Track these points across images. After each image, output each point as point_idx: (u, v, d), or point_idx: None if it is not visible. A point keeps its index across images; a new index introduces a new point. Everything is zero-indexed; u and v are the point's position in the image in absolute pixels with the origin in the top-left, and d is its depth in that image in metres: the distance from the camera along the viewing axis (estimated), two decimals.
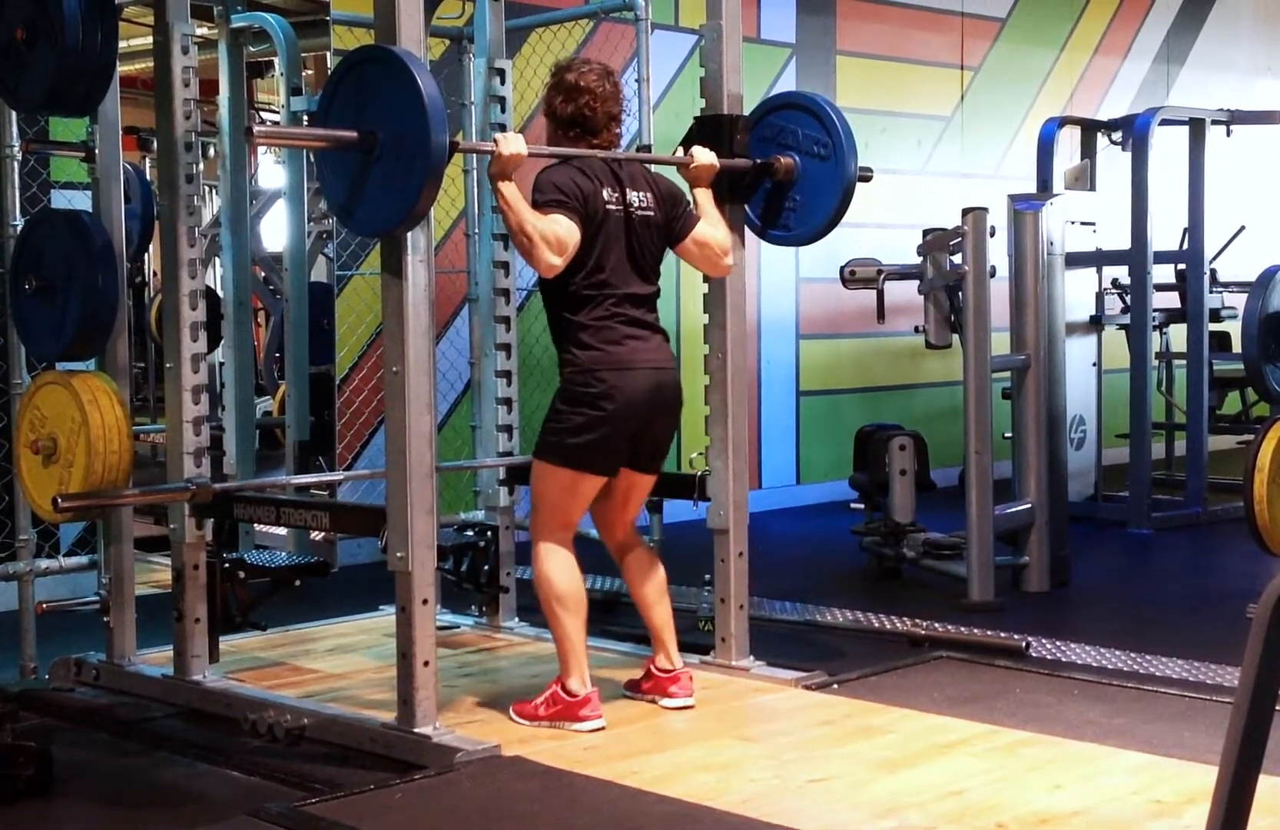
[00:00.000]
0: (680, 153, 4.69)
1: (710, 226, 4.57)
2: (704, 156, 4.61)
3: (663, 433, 4.47)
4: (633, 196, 4.39)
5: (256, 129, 4.03)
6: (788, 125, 4.85)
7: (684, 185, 4.66)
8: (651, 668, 4.56)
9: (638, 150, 6.08)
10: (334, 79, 4.09)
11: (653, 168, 4.62)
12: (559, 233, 4.17)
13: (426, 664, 3.99)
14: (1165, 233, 8.51)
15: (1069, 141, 9.24)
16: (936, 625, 5.66)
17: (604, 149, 4.41)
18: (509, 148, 4.15)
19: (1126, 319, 8.55)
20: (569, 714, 4.26)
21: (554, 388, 8.13)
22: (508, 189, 4.16)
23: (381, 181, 3.90)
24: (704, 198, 4.60)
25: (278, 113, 6.99)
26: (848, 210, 4.83)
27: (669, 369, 4.43)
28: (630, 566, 4.61)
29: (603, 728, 4.25)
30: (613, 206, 4.33)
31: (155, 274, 9.35)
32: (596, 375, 4.28)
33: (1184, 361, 8.68)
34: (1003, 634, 5.53)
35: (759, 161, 4.80)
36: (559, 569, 4.34)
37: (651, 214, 4.43)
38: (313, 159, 6.13)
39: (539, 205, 4.19)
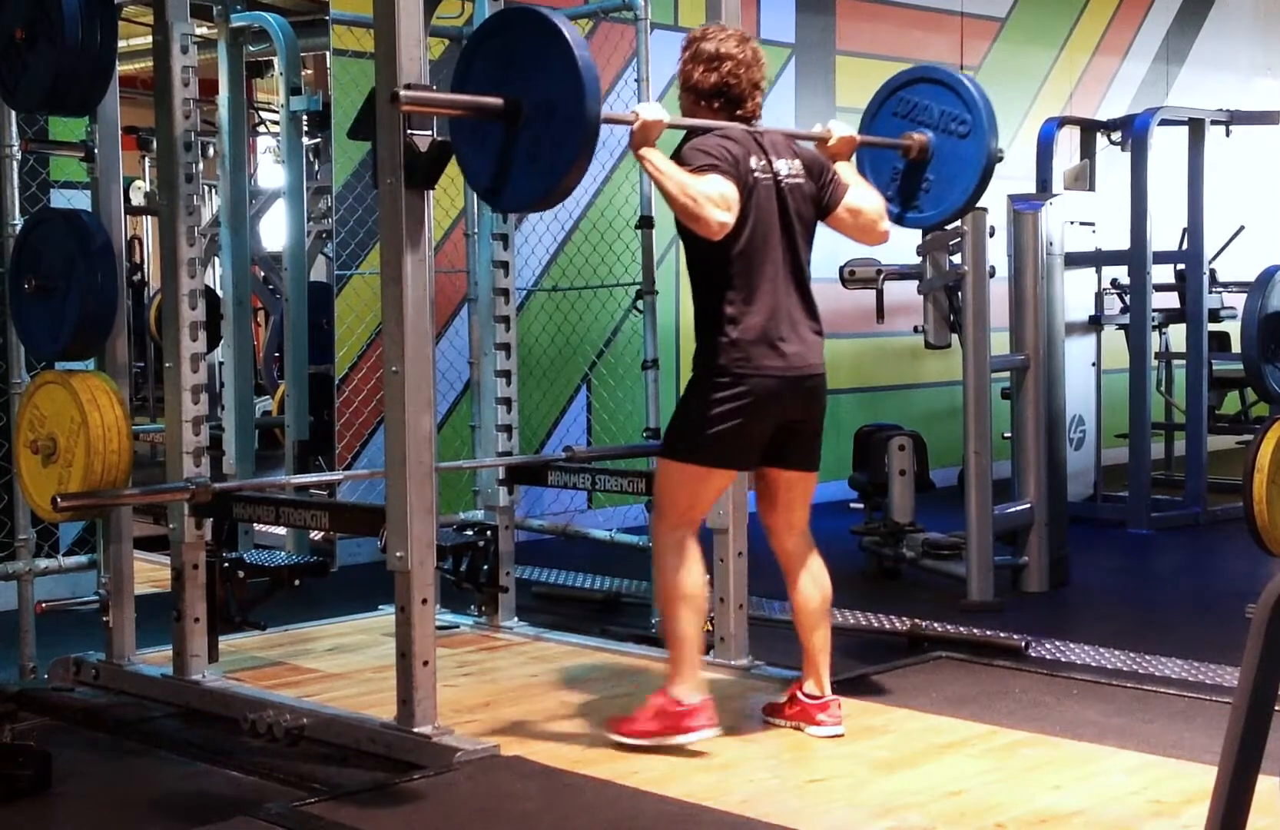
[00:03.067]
0: (818, 128, 4.43)
1: (861, 195, 4.27)
2: (841, 129, 4.38)
3: (806, 426, 4.17)
4: (780, 165, 4.10)
5: (404, 93, 3.78)
6: (922, 101, 4.65)
7: None
8: (798, 692, 4.26)
9: None
10: (473, 43, 3.93)
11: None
12: (722, 190, 3.89)
13: (426, 664, 3.98)
14: (1164, 233, 8.52)
15: (1068, 141, 9.24)
16: (936, 625, 5.67)
17: (748, 119, 4.14)
18: (649, 114, 3.96)
19: (1126, 319, 8.55)
20: (678, 725, 3.97)
21: (553, 386, 8.11)
22: (654, 155, 3.94)
23: (526, 154, 3.74)
24: (846, 171, 4.32)
25: (277, 112, 7.01)
26: (986, 190, 4.63)
27: (812, 368, 4.11)
28: (793, 580, 4.28)
29: (713, 738, 3.99)
30: (761, 175, 4.04)
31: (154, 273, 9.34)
32: (733, 371, 3.99)
33: (1183, 361, 8.68)
34: (1002, 634, 5.53)
35: (893, 140, 4.61)
36: (682, 566, 4.05)
37: (801, 182, 4.15)
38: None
39: (690, 173, 3.92)
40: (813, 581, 4.27)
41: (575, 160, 3.69)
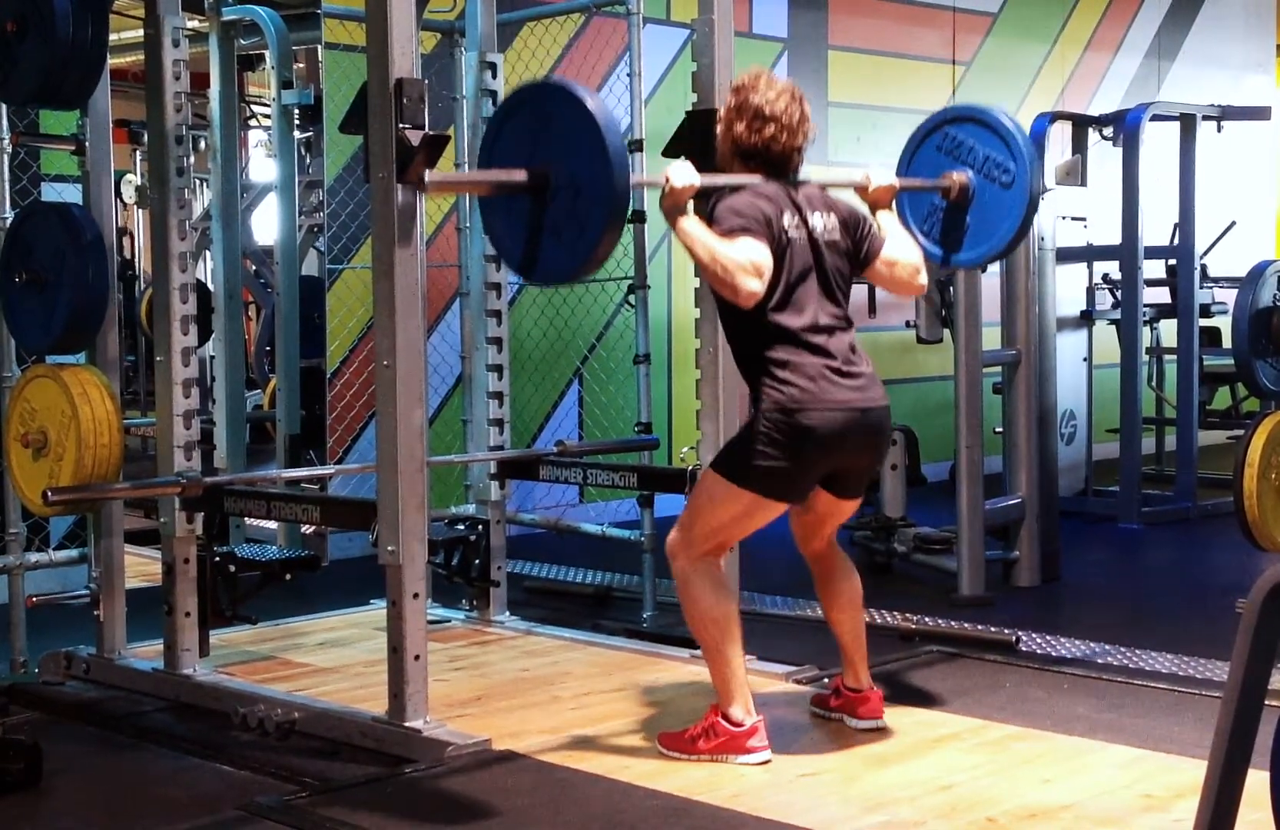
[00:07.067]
0: (857, 176, 4.36)
1: (898, 246, 4.21)
2: (880, 177, 4.32)
3: (866, 466, 4.14)
4: (815, 221, 4.03)
5: (429, 177, 3.80)
6: (967, 140, 4.56)
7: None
8: (841, 686, 4.29)
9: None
10: (501, 114, 3.93)
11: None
12: (754, 257, 3.81)
13: (417, 658, 3.99)
14: (1156, 228, 8.53)
15: (1060, 137, 9.25)
16: (927, 620, 5.67)
17: (784, 177, 4.06)
18: (680, 179, 3.86)
19: (1117, 314, 8.57)
20: (733, 746, 3.91)
21: (545, 381, 8.11)
22: (688, 222, 3.86)
23: (554, 228, 3.72)
24: (886, 219, 4.26)
25: (268, 106, 7.00)
26: (1025, 236, 4.53)
27: (876, 405, 4.01)
28: (822, 579, 4.30)
29: (769, 761, 3.92)
30: (794, 233, 3.97)
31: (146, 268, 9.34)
32: (796, 416, 3.88)
33: (1174, 356, 8.70)
34: (993, 628, 5.53)
35: (933, 182, 4.56)
36: (711, 590, 3.99)
37: (837, 238, 4.07)
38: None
39: (721, 235, 3.85)
40: (841, 580, 4.29)
41: (601, 237, 3.65)
